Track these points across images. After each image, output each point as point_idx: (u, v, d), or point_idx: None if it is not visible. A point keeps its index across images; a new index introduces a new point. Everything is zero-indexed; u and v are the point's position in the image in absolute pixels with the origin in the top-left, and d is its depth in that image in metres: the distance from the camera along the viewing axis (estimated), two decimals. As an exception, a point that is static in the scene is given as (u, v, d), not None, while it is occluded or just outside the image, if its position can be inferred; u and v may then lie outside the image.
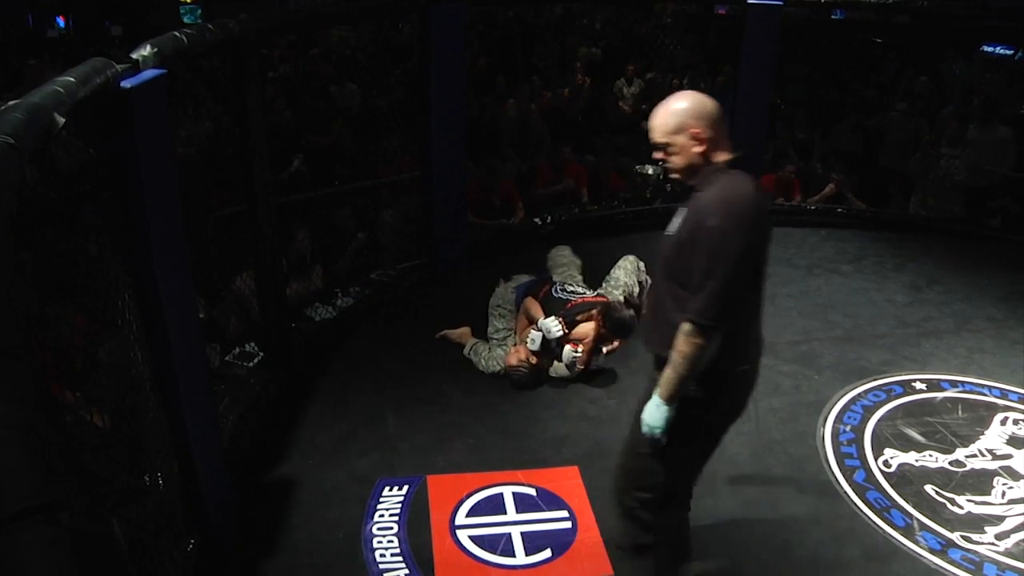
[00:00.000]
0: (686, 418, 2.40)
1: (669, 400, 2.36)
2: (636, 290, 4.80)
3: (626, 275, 4.82)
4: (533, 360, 4.20)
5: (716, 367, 2.35)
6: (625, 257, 4.95)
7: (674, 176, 2.38)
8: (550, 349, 4.23)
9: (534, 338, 4.17)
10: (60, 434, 1.02)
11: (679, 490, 2.66)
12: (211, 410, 3.16)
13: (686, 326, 2.26)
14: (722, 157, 2.34)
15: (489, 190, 6.23)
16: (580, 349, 4.18)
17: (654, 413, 2.39)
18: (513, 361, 4.21)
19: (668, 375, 2.34)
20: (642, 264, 4.89)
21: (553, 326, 4.14)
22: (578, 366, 4.21)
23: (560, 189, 6.76)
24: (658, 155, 2.38)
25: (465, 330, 4.66)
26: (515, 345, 4.32)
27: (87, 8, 13.99)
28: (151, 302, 2.59)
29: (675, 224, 2.40)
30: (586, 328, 4.22)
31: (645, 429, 2.42)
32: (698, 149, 2.31)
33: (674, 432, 2.40)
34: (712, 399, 2.43)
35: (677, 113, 2.32)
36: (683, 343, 2.28)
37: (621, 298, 4.60)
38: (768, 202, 2.20)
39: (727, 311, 2.25)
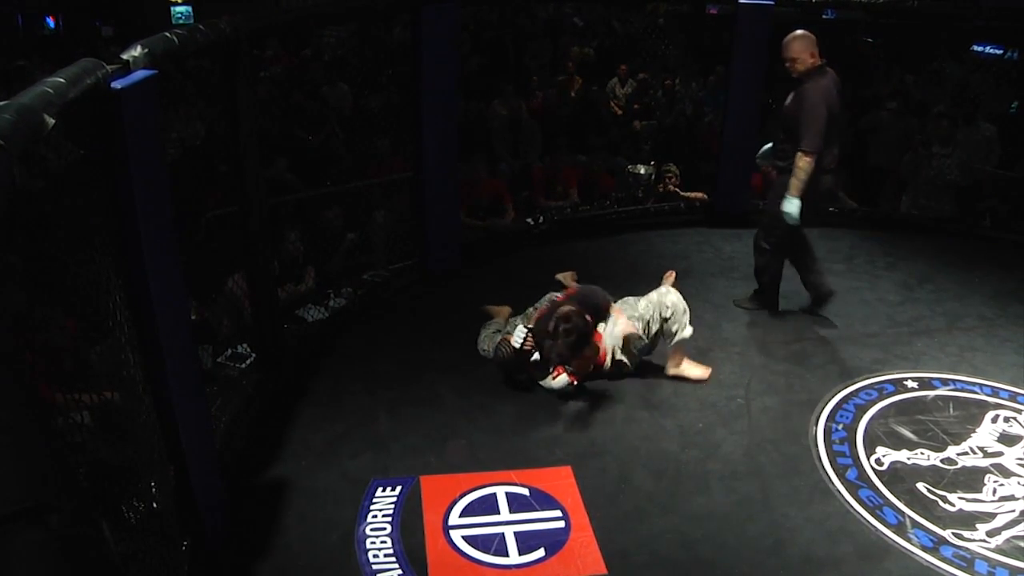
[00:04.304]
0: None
1: (794, 194, 4.42)
2: (646, 327, 4.20)
3: (646, 306, 4.21)
4: (511, 349, 4.18)
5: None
6: (664, 291, 4.23)
7: (795, 75, 4.48)
8: (543, 368, 4.20)
9: (517, 334, 4.18)
10: (49, 437, 1.02)
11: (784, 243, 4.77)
12: (203, 412, 3.14)
13: (800, 153, 4.36)
14: (817, 64, 4.44)
15: (472, 188, 6.22)
16: (575, 382, 4.15)
17: (791, 206, 4.45)
18: (508, 338, 4.19)
19: (794, 183, 4.40)
20: (669, 305, 4.15)
21: (519, 335, 4.12)
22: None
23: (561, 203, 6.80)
24: (787, 64, 4.48)
25: (504, 309, 4.70)
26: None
27: (77, 8, 13.92)
28: (142, 304, 2.58)
29: (788, 99, 4.53)
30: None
31: (789, 220, 4.49)
32: (812, 60, 4.42)
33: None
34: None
35: (803, 40, 4.43)
36: (800, 161, 4.37)
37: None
38: (837, 82, 4.52)
39: (819, 143, 4.33)
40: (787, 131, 4.55)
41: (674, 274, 4.75)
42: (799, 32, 4.46)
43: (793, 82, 4.54)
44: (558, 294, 4.36)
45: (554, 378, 4.16)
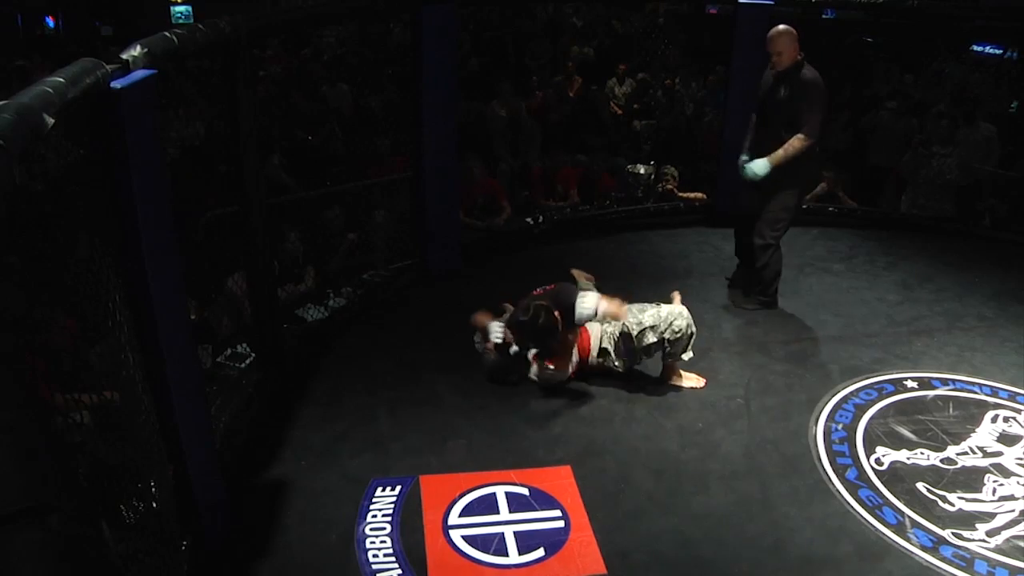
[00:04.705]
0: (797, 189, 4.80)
1: (772, 163, 4.62)
2: (641, 334, 4.07)
3: (653, 316, 4.08)
4: (489, 347, 4.21)
5: (805, 164, 4.68)
6: (677, 312, 4.11)
7: (781, 68, 4.61)
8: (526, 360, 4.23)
9: (494, 329, 4.18)
10: (49, 437, 1.02)
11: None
12: (203, 411, 3.14)
13: (799, 136, 4.55)
14: (800, 58, 4.60)
15: (468, 188, 6.22)
16: (552, 367, 4.17)
17: (761, 167, 4.67)
18: (488, 345, 4.23)
19: (779, 154, 4.59)
20: (678, 331, 4.05)
21: (496, 328, 4.15)
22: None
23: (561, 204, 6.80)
24: (774, 57, 4.62)
25: None
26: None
27: (77, 8, 13.93)
28: (142, 304, 2.58)
29: (780, 91, 4.63)
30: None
31: (749, 174, 4.73)
32: (795, 55, 4.57)
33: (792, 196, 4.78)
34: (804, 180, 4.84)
35: (790, 35, 4.56)
36: (796, 142, 4.55)
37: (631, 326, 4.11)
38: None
39: (818, 132, 4.58)
40: (786, 121, 4.62)
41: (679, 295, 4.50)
42: (783, 27, 4.63)
43: (778, 75, 4.66)
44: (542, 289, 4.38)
45: (534, 361, 4.19)
